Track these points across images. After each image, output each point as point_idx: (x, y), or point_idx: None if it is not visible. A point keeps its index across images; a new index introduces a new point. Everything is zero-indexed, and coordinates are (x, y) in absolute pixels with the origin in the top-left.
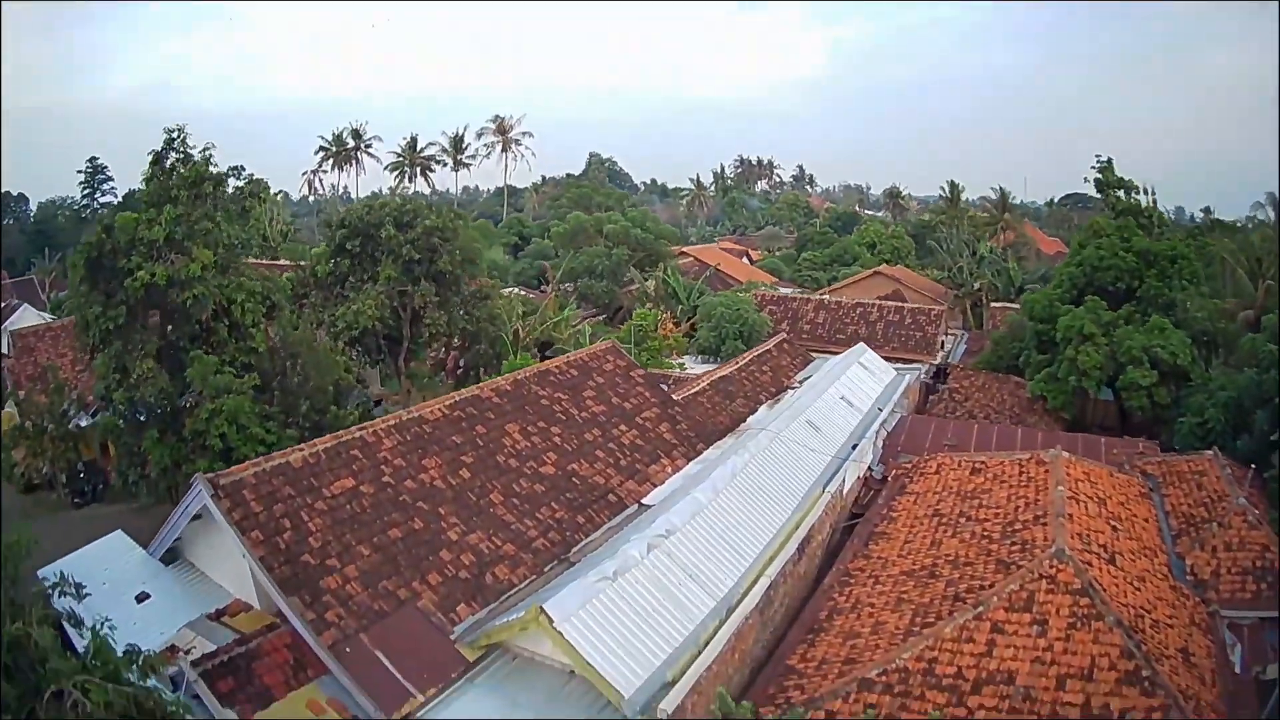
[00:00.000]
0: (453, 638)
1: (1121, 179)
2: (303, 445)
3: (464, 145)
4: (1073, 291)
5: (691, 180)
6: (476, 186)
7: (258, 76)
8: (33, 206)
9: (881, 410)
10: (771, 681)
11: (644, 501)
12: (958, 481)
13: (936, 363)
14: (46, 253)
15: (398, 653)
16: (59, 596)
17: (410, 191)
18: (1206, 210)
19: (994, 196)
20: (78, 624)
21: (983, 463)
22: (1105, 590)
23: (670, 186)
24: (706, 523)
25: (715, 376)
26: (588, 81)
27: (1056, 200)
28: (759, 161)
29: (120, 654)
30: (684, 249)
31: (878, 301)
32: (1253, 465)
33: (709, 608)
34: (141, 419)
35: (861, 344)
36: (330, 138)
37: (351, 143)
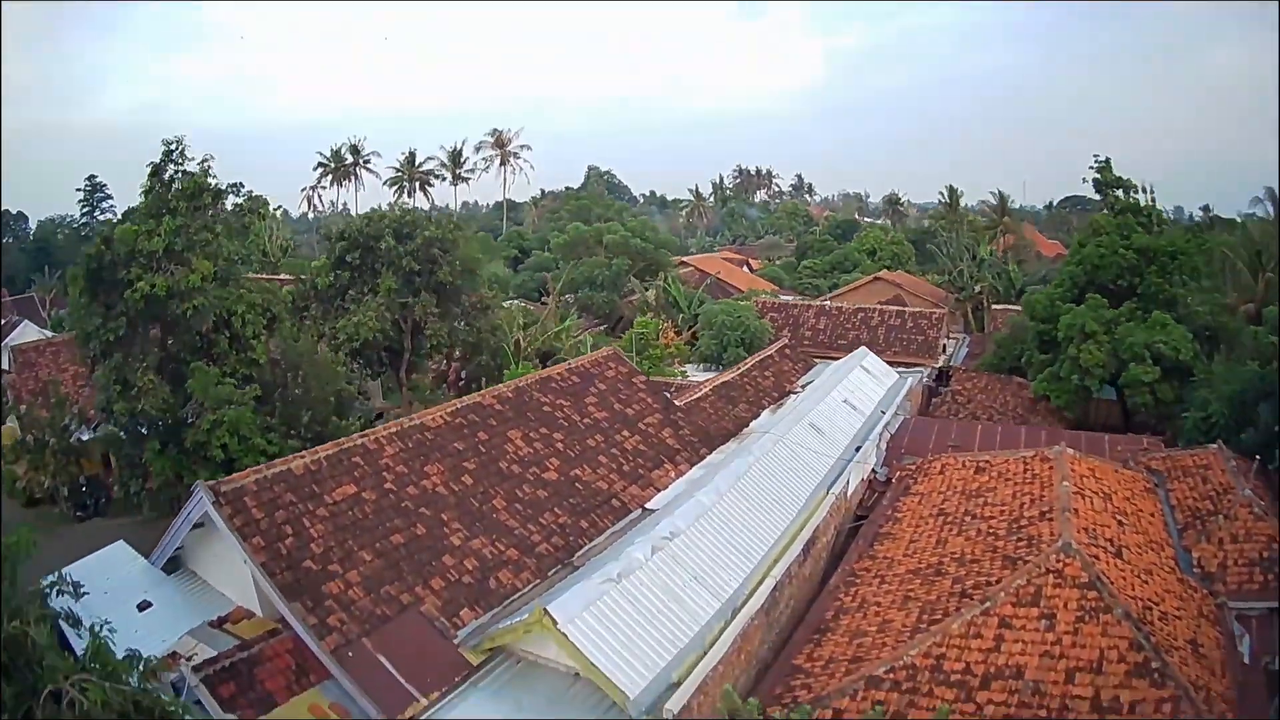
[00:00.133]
0: (456, 642)
1: (1120, 178)
2: (304, 453)
3: (462, 159)
4: (1074, 290)
5: (691, 191)
6: (476, 201)
7: (256, 95)
8: (32, 224)
9: (884, 413)
10: (778, 681)
11: (648, 506)
12: (962, 481)
13: (938, 366)
14: (46, 270)
15: (401, 657)
16: (56, 595)
17: (409, 206)
18: (1205, 209)
19: (993, 201)
20: (76, 624)
21: (987, 461)
22: (1113, 583)
23: (669, 198)
24: (711, 525)
25: (718, 382)
26: (586, 95)
27: (1056, 203)
28: (758, 171)
29: (120, 658)
30: (684, 259)
31: (879, 306)
32: (1257, 457)
33: (714, 609)
34: (143, 431)
35: (863, 348)
36: (329, 154)
37: (350, 159)
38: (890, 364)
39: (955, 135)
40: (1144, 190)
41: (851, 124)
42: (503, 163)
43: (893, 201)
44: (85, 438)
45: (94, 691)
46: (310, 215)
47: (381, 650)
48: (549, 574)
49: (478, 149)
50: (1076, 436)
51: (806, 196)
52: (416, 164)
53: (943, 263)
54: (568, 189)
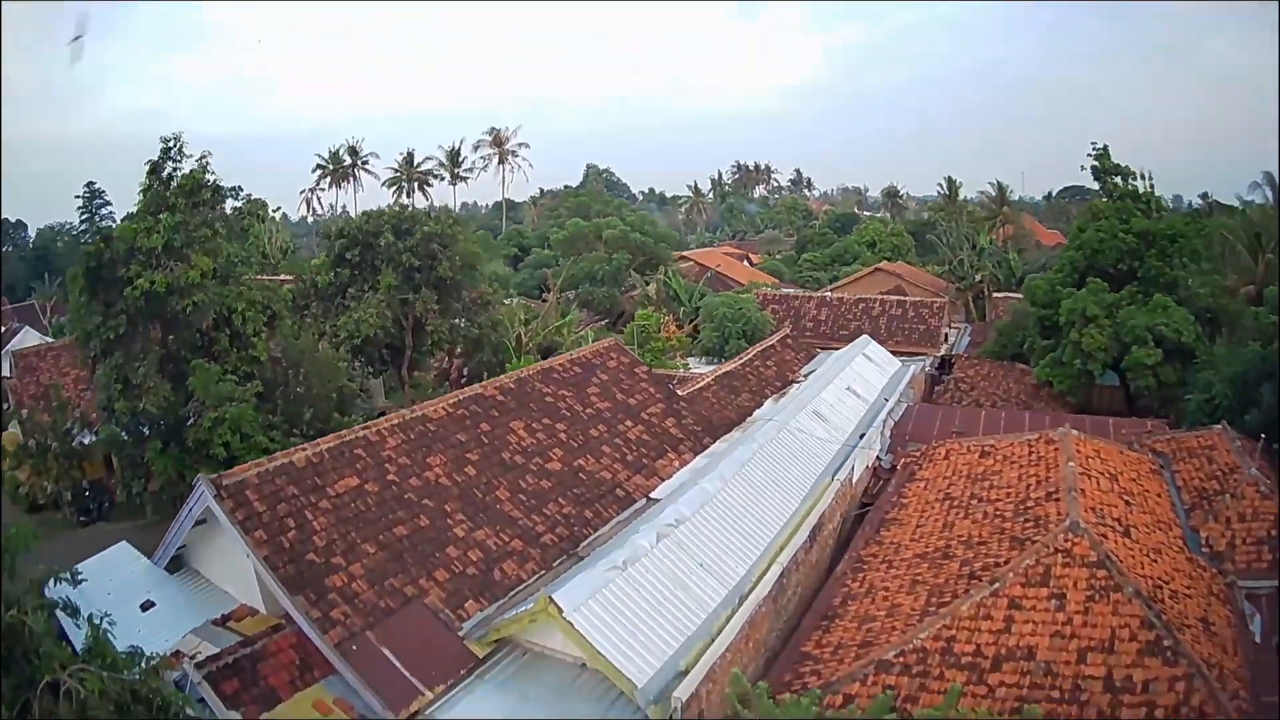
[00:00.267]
0: (461, 634)
1: (1118, 165)
2: (305, 445)
3: (461, 159)
4: (1074, 275)
5: (689, 188)
6: (475, 202)
7: (255, 97)
8: (31, 233)
9: (888, 400)
10: (787, 668)
11: (652, 496)
12: (967, 465)
13: (940, 354)
14: (46, 278)
15: (405, 650)
16: (55, 584)
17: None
18: (1204, 196)
19: (992, 192)
20: (74, 613)
21: (992, 446)
22: (1121, 562)
23: (669, 195)
24: (716, 512)
25: (720, 372)
26: (585, 95)
27: (1055, 194)
28: (756, 167)
29: (122, 655)
30: (684, 254)
31: (880, 297)
32: (1262, 436)
33: (721, 596)
34: (144, 430)
35: (865, 336)
36: (327, 156)
37: (348, 160)
38: (892, 353)
39: (953, 130)
40: (1143, 177)
41: (850, 120)
42: (501, 161)
43: (892, 194)
44: (88, 441)
45: (91, 681)
46: (309, 219)
47: (385, 643)
48: (554, 564)
49: (476, 148)
50: (1080, 420)
51: (805, 191)
52: (415, 164)
53: (943, 253)
54: (567, 187)
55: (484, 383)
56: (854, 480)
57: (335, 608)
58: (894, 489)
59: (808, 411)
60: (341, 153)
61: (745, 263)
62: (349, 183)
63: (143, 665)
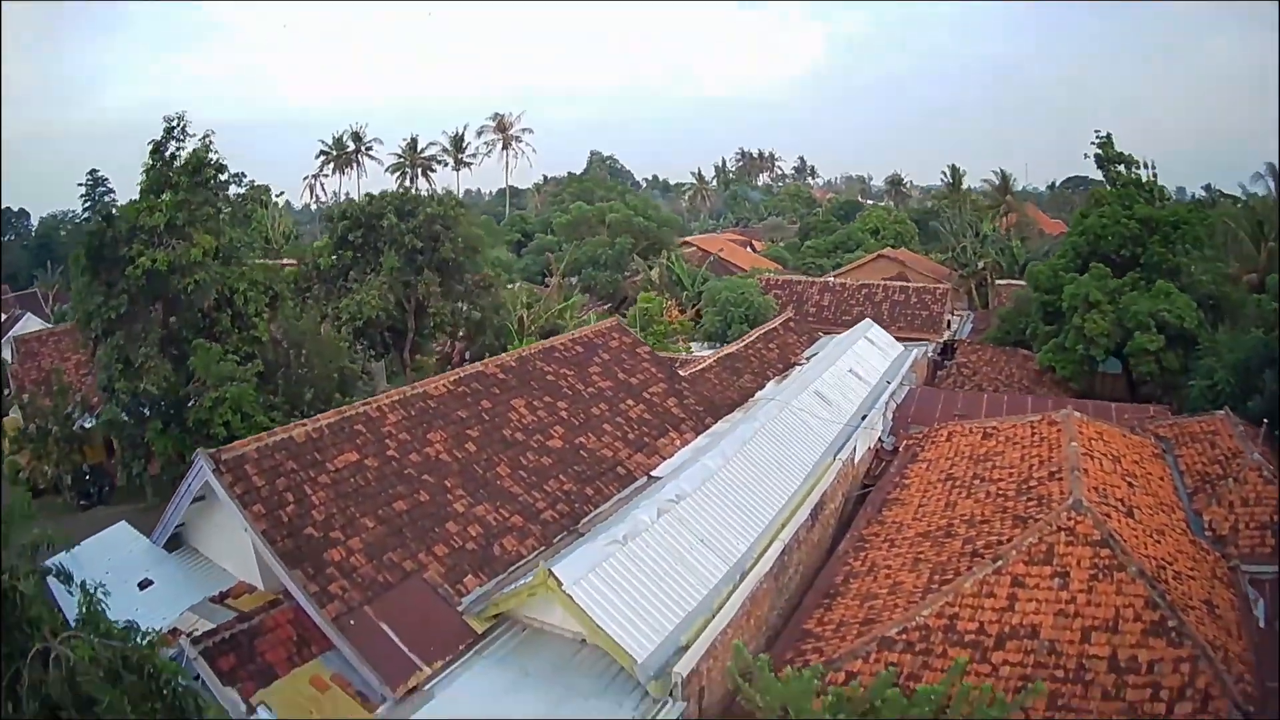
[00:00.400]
0: (460, 609)
1: (1121, 154)
2: (305, 421)
3: (464, 144)
4: (1077, 261)
5: (693, 175)
6: (479, 189)
7: (257, 92)
8: (34, 222)
9: (890, 383)
10: (788, 646)
11: (653, 474)
12: (970, 446)
13: (943, 340)
14: (49, 266)
15: (403, 625)
16: (47, 548)
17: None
18: (1208, 187)
19: (995, 181)
20: (67, 579)
21: (994, 427)
22: (1125, 542)
23: (672, 183)
24: (717, 489)
25: (722, 354)
26: (588, 82)
27: (1058, 183)
28: (760, 155)
29: (117, 627)
30: (687, 239)
31: (883, 282)
32: (1265, 421)
33: (722, 572)
34: (145, 411)
35: (868, 319)
36: (331, 142)
37: (352, 146)
38: (895, 339)
39: (956, 121)
40: (1146, 166)
41: (854, 109)
42: (505, 147)
43: (895, 182)
44: (88, 425)
45: (82, 649)
46: (313, 206)
47: (384, 618)
48: (554, 540)
49: (479, 134)
50: (1083, 404)
51: (809, 179)
52: (419, 150)
53: (946, 240)
54: (570, 174)
55: (485, 360)
56: (856, 461)
57: (333, 582)
58: (896, 470)
59: (810, 392)
60: (345, 138)
61: (748, 249)
62: (353, 169)
63: (138, 640)
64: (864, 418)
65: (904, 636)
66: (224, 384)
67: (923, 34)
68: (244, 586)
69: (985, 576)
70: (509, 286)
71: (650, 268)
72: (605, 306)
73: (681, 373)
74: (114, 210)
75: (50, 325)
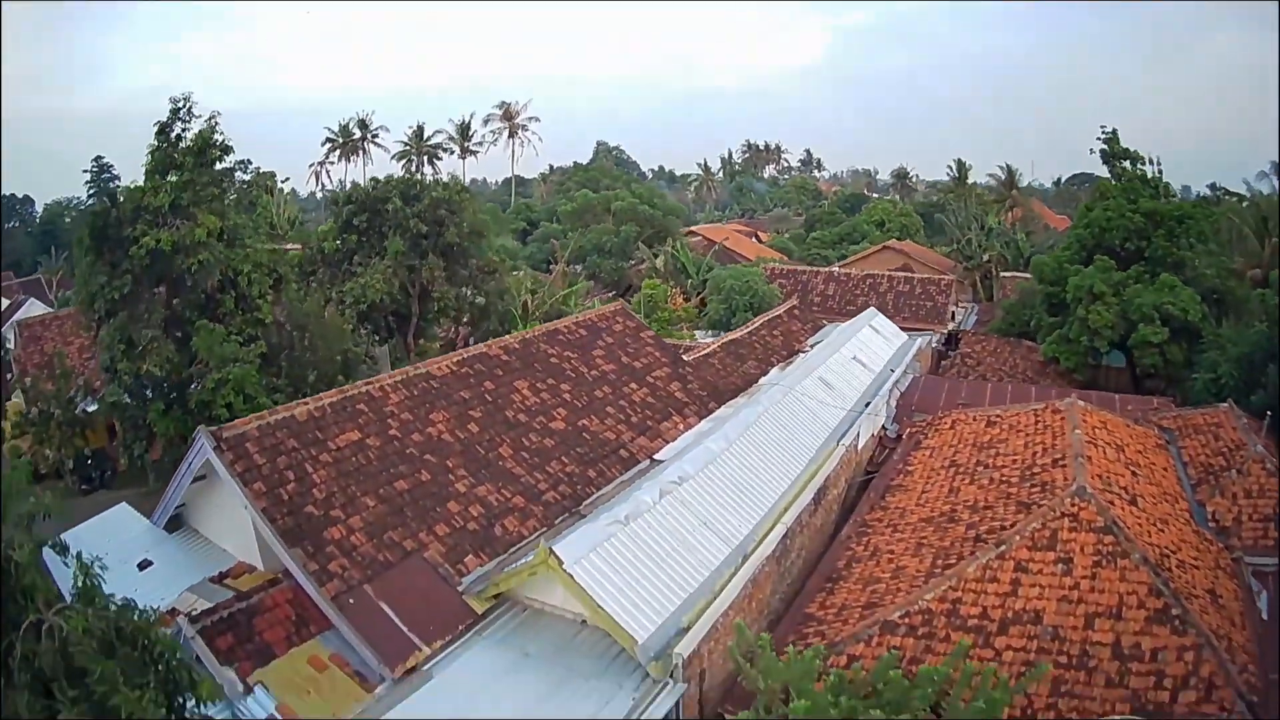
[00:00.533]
0: (460, 589)
1: (1127, 149)
2: (308, 399)
3: (471, 132)
4: (1081, 253)
5: (699, 166)
6: (484, 178)
7: (261, 77)
8: (39, 208)
9: (894, 371)
10: (791, 629)
11: (656, 457)
12: (973, 434)
13: (947, 331)
14: (53, 252)
15: (403, 604)
16: (43, 518)
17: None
18: (1213, 186)
19: (1001, 176)
20: (63, 550)
21: (998, 416)
22: (1129, 529)
23: (678, 173)
24: (720, 471)
25: (726, 340)
26: (594, 73)
27: (1064, 180)
28: (767, 146)
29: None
30: (692, 228)
31: (887, 273)
32: (1269, 413)
33: (724, 555)
34: (147, 392)
35: (872, 308)
36: (337, 129)
37: (358, 133)
38: (900, 329)
39: (962, 116)
40: (1151, 162)
41: (860, 103)
42: (511, 135)
43: (901, 176)
44: (91, 409)
45: (76, 620)
46: (319, 194)
47: (383, 597)
48: (556, 521)
49: (486, 122)
50: (1087, 395)
51: (815, 172)
52: (425, 138)
53: (951, 232)
54: (576, 164)
55: (488, 342)
56: (859, 447)
57: (333, 560)
58: (900, 456)
59: (814, 378)
60: (351, 126)
61: (754, 240)
62: (358, 156)
63: (134, 617)
64: (868, 404)
65: (906, 620)
66: (227, 365)
67: (925, 29)
68: (244, 567)
69: (988, 561)
70: (514, 274)
71: (655, 256)
72: (610, 294)
73: (685, 358)
74: (118, 191)
75: (54, 310)
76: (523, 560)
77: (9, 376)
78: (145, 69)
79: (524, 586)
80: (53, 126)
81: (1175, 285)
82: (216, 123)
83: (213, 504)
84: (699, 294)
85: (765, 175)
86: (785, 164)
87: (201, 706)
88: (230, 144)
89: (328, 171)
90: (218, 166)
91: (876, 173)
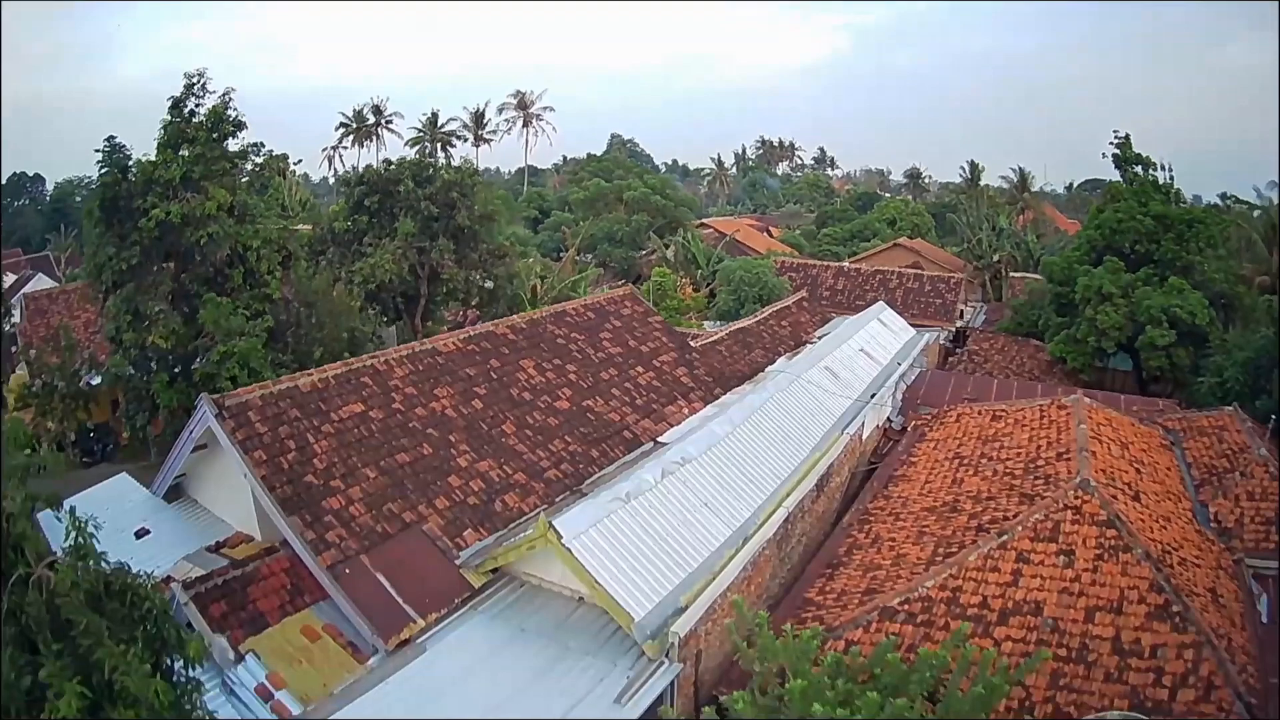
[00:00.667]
0: (458, 563)
1: (1139, 155)
2: (311, 370)
3: (485, 121)
4: (1091, 253)
5: (713, 160)
6: (497, 168)
7: (274, 62)
8: (50, 186)
9: (901, 364)
10: (789, 614)
11: (660, 439)
12: (978, 427)
13: (955, 328)
14: (63, 229)
15: (399, 576)
16: (39, 471)
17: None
18: (1224, 195)
19: (1014, 178)
20: (57, 505)
21: (1003, 410)
22: (1131, 524)
23: (692, 167)
24: (723, 454)
25: (734, 328)
26: (609, 66)
27: (1076, 185)
28: (780, 143)
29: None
30: (705, 220)
31: (897, 269)
32: (1273, 417)
33: (724, 536)
34: (151, 364)
35: (880, 302)
36: (351, 114)
37: (372, 119)
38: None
39: (976, 117)
40: (1163, 168)
41: (875, 103)
42: (525, 125)
43: (914, 176)
44: (95, 382)
45: (65, 572)
46: (331, 180)
47: (380, 568)
48: (557, 499)
49: (500, 110)
50: (1093, 394)
51: (829, 170)
52: (439, 125)
53: (962, 232)
54: (590, 155)
55: (495, 321)
56: (864, 438)
57: (331, 530)
58: (904, 448)
59: (820, 368)
60: (365, 111)
61: (765, 235)
62: (372, 141)
63: (128, 579)
64: (873, 396)
65: (906, 607)
66: (233, 338)
67: (940, 31)
68: (241, 536)
69: (990, 550)
70: (524, 261)
71: (666, 246)
72: (620, 283)
73: (693, 344)
74: (129, 164)
75: (61, 285)
76: (521, 534)
77: (13, 349)
78: (156, 55)
79: (522, 562)
80: (61, 109)
81: (1184, 289)
82: (230, 99)
83: (213, 474)
84: (708, 285)
85: (779, 172)
86: (799, 161)
87: (190, 669)
88: (243, 119)
89: (340, 156)
90: (230, 143)
91: (889, 172)
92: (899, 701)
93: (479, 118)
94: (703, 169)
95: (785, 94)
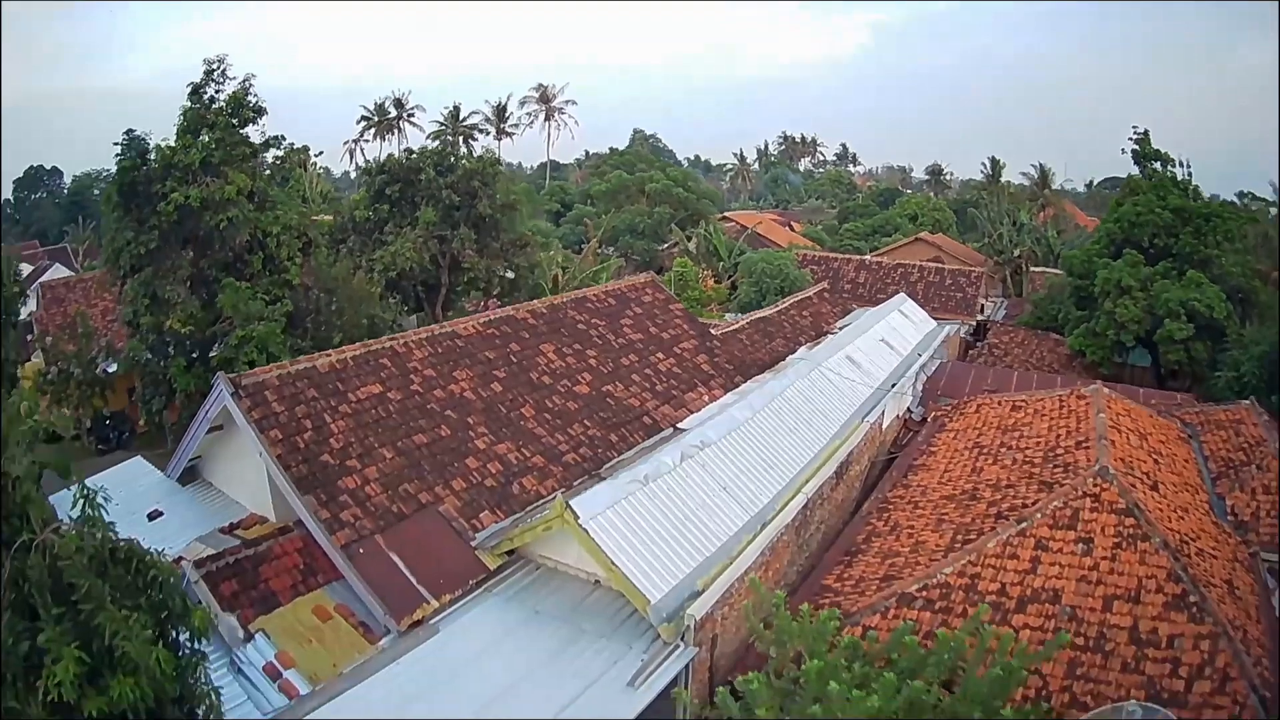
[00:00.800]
0: (473, 545)
1: (1158, 151)
2: (330, 351)
3: (507, 114)
4: (1110, 247)
5: (735, 155)
6: (520, 163)
7: (293, 58)
8: (67, 180)
9: (921, 355)
10: (806, 600)
11: (679, 426)
12: (998, 418)
13: (976, 322)
14: (81, 222)
15: (414, 556)
16: (46, 440)
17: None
18: (1241, 194)
19: (1035, 176)
20: (65, 473)
21: (1023, 401)
22: (1149, 513)
23: (714, 163)
24: (743, 439)
25: (754, 316)
26: (631, 61)
27: (1096, 183)
28: (803, 139)
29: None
30: (726, 214)
31: (919, 263)
32: None
33: (742, 521)
34: (169, 348)
35: (902, 294)
36: (372, 107)
37: (394, 112)
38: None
39: (997, 115)
40: (1182, 164)
41: (897, 99)
42: (547, 119)
43: (935, 173)
44: (112, 369)
45: (70, 538)
46: (352, 173)
47: (394, 548)
48: (575, 484)
49: (522, 104)
50: (1112, 386)
51: (851, 166)
52: (460, 118)
53: (983, 227)
54: (612, 150)
55: (515, 305)
56: (884, 427)
57: (346, 509)
58: (923, 438)
59: (841, 357)
60: (387, 105)
61: (787, 229)
62: (393, 135)
63: (134, 547)
64: (894, 385)
65: (924, 594)
66: (251, 322)
67: (965, 29)
68: (255, 518)
69: (1009, 538)
70: (546, 253)
71: (688, 238)
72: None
73: (714, 331)
74: (148, 150)
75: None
76: (538, 515)
77: (29, 337)
78: (157, 55)
79: (538, 544)
80: (79, 103)
81: (1202, 282)
82: (250, 85)
83: (228, 455)
84: (730, 277)
85: (801, 168)
86: (821, 157)
87: (196, 641)
88: (263, 105)
89: (362, 150)
90: (250, 130)
91: (911, 169)
92: (916, 684)
93: (501, 111)
94: (725, 164)
95: (808, 90)
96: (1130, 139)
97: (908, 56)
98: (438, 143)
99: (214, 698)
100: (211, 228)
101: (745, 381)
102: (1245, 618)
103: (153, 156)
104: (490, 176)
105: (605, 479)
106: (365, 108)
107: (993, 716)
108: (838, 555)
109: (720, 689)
